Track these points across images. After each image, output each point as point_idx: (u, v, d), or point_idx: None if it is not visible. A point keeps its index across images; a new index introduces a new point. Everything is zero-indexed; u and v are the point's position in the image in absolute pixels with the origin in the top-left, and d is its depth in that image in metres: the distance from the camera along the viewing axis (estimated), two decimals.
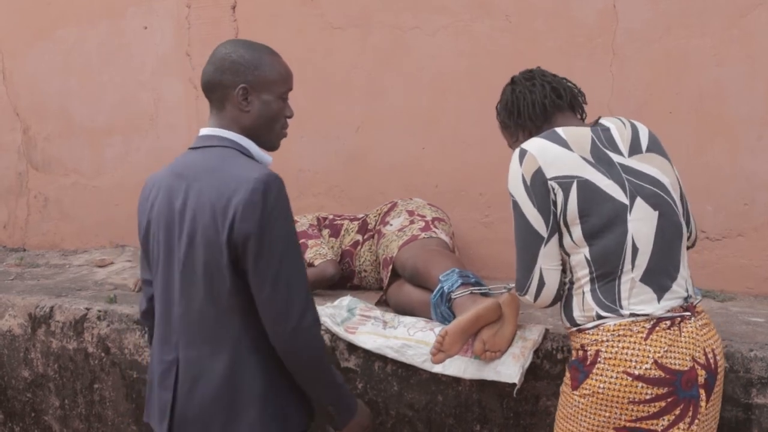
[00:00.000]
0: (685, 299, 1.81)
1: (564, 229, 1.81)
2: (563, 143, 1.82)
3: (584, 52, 3.14)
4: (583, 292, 1.81)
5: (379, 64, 3.60)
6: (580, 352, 1.81)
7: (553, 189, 1.79)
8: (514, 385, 2.28)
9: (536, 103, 1.95)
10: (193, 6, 3.95)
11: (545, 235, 1.80)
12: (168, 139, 4.10)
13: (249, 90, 1.85)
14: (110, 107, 4.21)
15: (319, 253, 3.10)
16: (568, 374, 1.86)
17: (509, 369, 2.29)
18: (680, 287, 1.81)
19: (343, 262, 3.18)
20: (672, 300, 1.79)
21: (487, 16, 3.39)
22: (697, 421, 1.75)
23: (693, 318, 1.79)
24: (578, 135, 1.85)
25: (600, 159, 1.81)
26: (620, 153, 1.84)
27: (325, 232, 3.28)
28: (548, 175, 1.79)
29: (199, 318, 1.80)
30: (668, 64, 3.06)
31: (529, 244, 1.83)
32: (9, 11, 4.40)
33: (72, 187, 4.38)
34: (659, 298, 1.77)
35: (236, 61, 1.84)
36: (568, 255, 1.84)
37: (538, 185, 1.80)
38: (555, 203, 1.80)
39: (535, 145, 1.83)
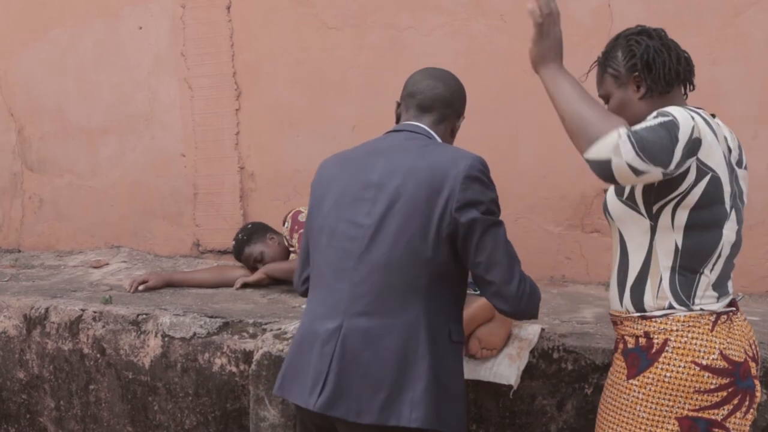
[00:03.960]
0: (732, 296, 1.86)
1: (672, 209, 1.75)
2: (714, 132, 1.76)
3: (579, 51, 3.12)
4: (661, 278, 1.79)
5: (375, 63, 3.60)
6: (643, 340, 1.79)
7: (690, 166, 1.71)
8: (510, 386, 2.28)
9: (672, 66, 1.84)
10: (188, 6, 3.94)
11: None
12: (163, 139, 4.10)
13: (457, 124, 2.08)
14: (105, 107, 4.21)
15: None
16: (622, 363, 1.83)
17: (506, 370, 2.29)
18: (731, 286, 1.86)
19: None
20: (725, 299, 1.82)
21: (482, 15, 3.39)
22: (752, 410, 1.79)
23: (738, 312, 1.83)
24: (722, 128, 1.81)
25: (729, 162, 1.80)
26: (738, 161, 1.84)
27: None
28: (699, 154, 1.71)
29: (377, 289, 1.84)
30: None
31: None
32: (3, 11, 4.39)
33: (67, 188, 4.37)
34: (718, 300, 1.80)
35: (464, 97, 2.09)
36: (654, 234, 1.78)
37: (692, 144, 1.67)
38: (684, 177, 1.71)
39: (700, 122, 1.72)
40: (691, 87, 1.93)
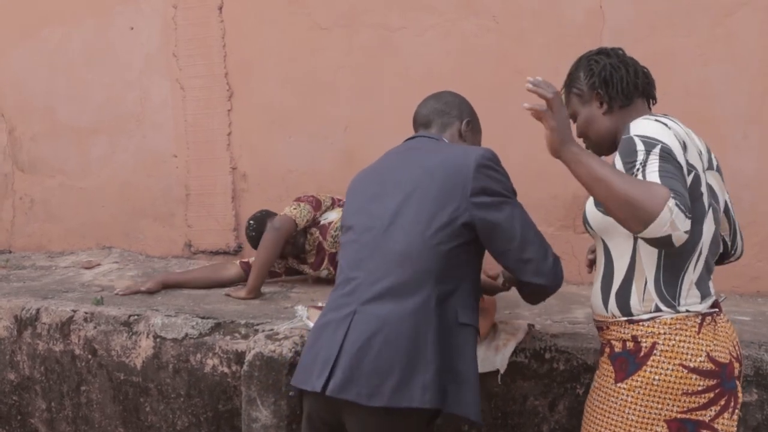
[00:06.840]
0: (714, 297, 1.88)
1: None
2: (687, 133, 1.80)
3: (571, 52, 3.12)
4: (646, 281, 1.81)
5: (367, 63, 3.60)
6: (630, 344, 1.81)
7: None
8: (497, 372, 2.29)
9: (629, 81, 1.93)
10: (179, 6, 3.93)
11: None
12: (154, 139, 4.09)
13: (471, 125, 2.17)
14: (96, 107, 4.19)
15: (290, 210, 3.25)
16: (609, 367, 1.84)
17: (492, 358, 2.31)
18: (712, 286, 1.88)
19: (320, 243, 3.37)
20: (709, 300, 1.84)
21: (474, 15, 3.40)
22: (737, 411, 1.81)
23: (721, 313, 1.85)
24: (689, 130, 1.84)
25: (702, 162, 1.83)
26: (708, 161, 1.86)
27: (336, 211, 3.37)
28: (686, 155, 1.75)
29: (391, 276, 1.88)
30: (654, 64, 3.02)
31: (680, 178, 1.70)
32: None
33: (58, 188, 4.36)
34: (702, 301, 1.82)
35: (462, 103, 2.21)
36: (637, 238, 1.77)
37: (684, 150, 1.74)
38: None
39: (674, 126, 1.77)
40: (653, 100, 2.00)
